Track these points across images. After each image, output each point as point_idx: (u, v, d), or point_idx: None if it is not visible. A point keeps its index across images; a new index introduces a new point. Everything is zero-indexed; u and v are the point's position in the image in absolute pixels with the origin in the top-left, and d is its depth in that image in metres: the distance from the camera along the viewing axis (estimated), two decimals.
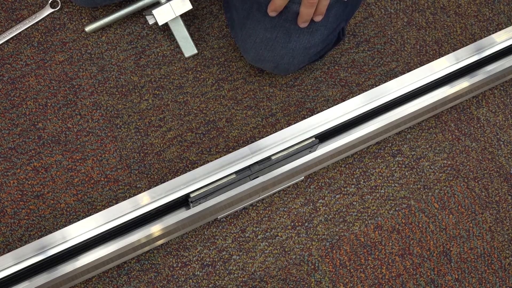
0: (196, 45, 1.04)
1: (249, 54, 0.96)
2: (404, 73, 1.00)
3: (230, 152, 0.87)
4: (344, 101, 0.92)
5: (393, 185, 1.02)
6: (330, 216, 0.99)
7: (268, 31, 0.91)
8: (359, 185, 1.01)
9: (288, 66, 0.96)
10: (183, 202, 0.86)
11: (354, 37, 1.11)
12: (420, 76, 0.96)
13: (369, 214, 1.00)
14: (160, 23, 0.96)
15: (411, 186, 1.02)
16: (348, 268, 0.96)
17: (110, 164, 0.98)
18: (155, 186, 0.87)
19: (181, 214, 0.85)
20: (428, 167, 1.04)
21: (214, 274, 0.94)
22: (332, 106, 0.91)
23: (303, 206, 0.99)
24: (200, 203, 0.85)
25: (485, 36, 1.12)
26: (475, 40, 1.12)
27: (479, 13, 1.16)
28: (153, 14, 0.98)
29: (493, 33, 1.06)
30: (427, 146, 1.05)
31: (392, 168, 1.03)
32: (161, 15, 0.96)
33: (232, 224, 0.97)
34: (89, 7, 1.06)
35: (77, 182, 0.96)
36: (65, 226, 0.81)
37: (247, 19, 0.92)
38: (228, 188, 0.85)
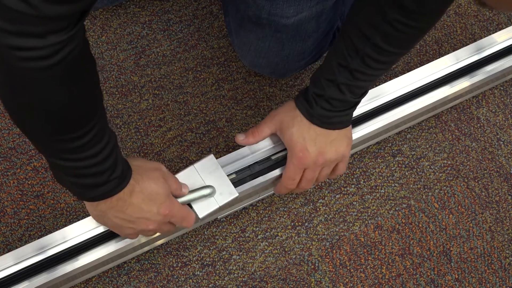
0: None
1: (246, 60, 0.96)
2: (404, 73, 1.00)
3: (230, 152, 0.87)
4: None
5: (393, 185, 1.02)
6: (330, 216, 0.99)
7: (261, 40, 0.90)
8: (359, 185, 1.01)
9: (284, 71, 0.97)
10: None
11: None
12: (420, 76, 0.96)
13: (369, 214, 1.00)
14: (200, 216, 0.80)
15: (411, 186, 1.02)
16: (348, 268, 0.96)
17: None
18: None
19: None
20: (428, 167, 1.04)
21: (214, 274, 0.94)
22: None
23: (303, 206, 0.99)
24: None
25: (485, 36, 1.12)
26: (475, 40, 1.12)
27: (479, 13, 1.16)
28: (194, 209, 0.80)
29: (493, 33, 1.06)
30: (427, 146, 1.05)
31: (392, 168, 1.03)
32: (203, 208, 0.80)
33: (232, 224, 0.97)
34: None
35: None
36: (65, 226, 0.81)
37: (241, 28, 0.92)
38: None
